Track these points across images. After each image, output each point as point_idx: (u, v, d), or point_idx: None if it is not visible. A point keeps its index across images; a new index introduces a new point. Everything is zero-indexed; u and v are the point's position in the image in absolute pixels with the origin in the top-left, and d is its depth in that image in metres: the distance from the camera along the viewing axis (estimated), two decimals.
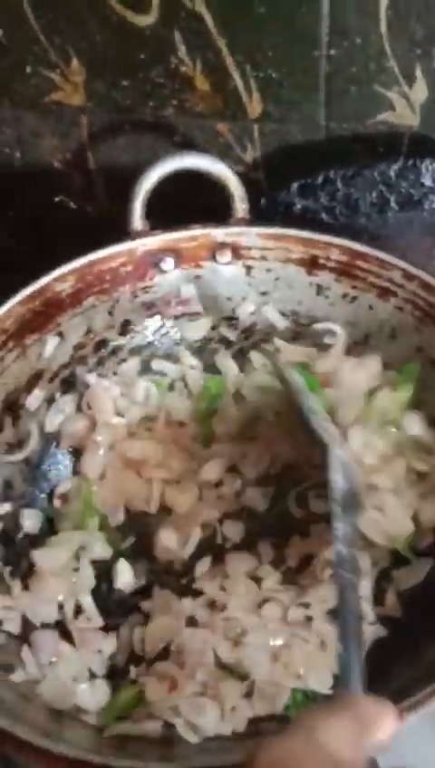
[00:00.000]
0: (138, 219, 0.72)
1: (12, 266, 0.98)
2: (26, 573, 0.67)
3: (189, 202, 0.80)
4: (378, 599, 0.63)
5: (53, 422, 0.73)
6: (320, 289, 0.73)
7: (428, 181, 0.73)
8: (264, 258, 0.73)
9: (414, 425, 0.66)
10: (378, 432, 0.65)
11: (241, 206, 0.72)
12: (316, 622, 0.61)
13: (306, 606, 0.62)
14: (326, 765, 0.39)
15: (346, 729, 0.40)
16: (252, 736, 0.57)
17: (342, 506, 0.55)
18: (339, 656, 0.48)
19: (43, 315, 0.70)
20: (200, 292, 0.75)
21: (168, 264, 0.73)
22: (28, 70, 0.79)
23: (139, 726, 0.58)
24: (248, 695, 0.59)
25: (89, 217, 0.91)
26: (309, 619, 0.61)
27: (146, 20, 0.73)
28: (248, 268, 0.74)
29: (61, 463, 0.74)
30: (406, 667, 0.56)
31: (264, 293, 0.75)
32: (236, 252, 0.73)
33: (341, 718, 0.41)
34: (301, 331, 0.75)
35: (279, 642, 0.60)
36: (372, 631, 0.61)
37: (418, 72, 0.71)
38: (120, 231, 0.74)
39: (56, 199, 0.90)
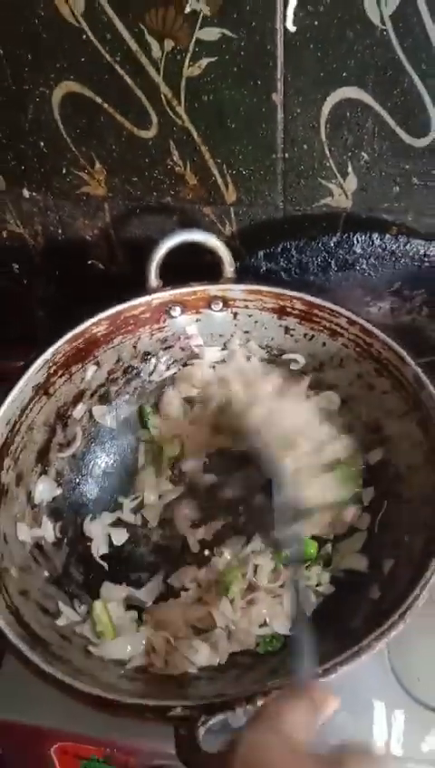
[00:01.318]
0: (153, 279, 0.72)
1: (58, 311, 0.99)
2: (72, 540, 0.67)
3: (188, 263, 0.80)
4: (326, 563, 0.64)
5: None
6: (287, 329, 0.73)
7: (358, 249, 0.72)
8: (246, 307, 0.73)
9: None
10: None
11: (229, 269, 0.73)
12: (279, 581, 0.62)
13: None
14: (290, 748, 0.36)
15: (302, 715, 0.38)
16: (231, 667, 0.58)
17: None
18: (292, 644, 0.46)
19: (84, 350, 0.70)
20: (201, 330, 0.75)
21: (176, 311, 0.74)
22: (64, 171, 0.79)
23: (149, 659, 0.58)
24: (229, 637, 0.59)
25: (112, 275, 0.90)
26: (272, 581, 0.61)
27: (148, 134, 0.73)
28: (235, 314, 0.74)
29: (99, 457, 0.74)
30: (345, 619, 0.57)
31: (246, 332, 0.75)
32: (226, 302, 0.73)
33: (297, 706, 0.39)
34: (274, 359, 0.76)
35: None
36: (324, 589, 0.61)
37: (349, 169, 0.71)
38: (136, 285, 0.74)
39: (89, 262, 0.90)
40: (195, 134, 0.71)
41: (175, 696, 0.53)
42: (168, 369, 0.76)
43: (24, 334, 1.01)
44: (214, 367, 0.75)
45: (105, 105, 0.71)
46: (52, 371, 0.67)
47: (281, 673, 0.53)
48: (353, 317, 0.67)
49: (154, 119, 0.71)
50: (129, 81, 0.68)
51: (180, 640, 0.59)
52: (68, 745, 0.60)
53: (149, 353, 0.75)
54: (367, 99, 0.65)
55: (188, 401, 0.75)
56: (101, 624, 0.59)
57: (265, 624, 0.60)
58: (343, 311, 0.68)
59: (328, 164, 0.71)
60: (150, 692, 0.53)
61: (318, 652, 0.53)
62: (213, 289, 0.72)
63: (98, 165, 0.77)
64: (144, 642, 0.58)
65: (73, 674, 0.49)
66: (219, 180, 0.75)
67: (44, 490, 0.66)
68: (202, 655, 0.58)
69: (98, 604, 0.60)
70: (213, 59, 0.64)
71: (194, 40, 0.63)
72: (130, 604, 0.63)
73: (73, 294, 0.94)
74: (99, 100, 0.71)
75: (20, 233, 0.89)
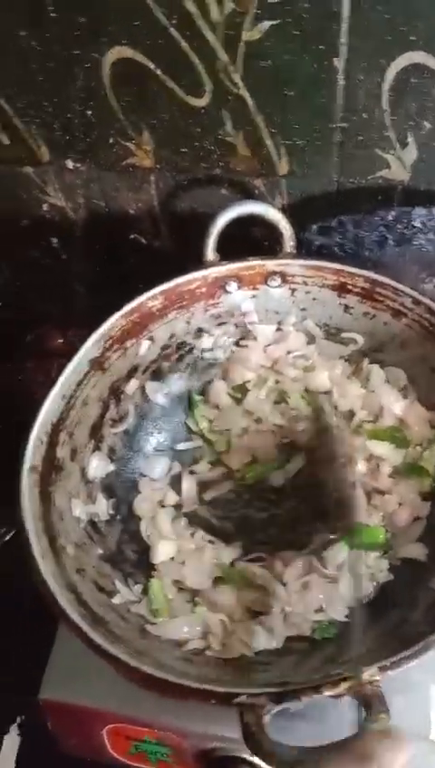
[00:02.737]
0: (210, 252, 0.69)
1: (97, 287, 0.98)
2: (125, 518, 0.66)
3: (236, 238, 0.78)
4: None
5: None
6: (347, 308, 0.70)
7: (417, 223, 0.69)
8: (305, 283, 0.71)
9: None
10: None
11: (289, 243, 0.70)
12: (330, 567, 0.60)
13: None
14: None
15: None
16: (287, 653, 0.57)
17: None
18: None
19: (139, 325, 0.68)
20: (256, 307, 0.73)
21: (232, 286, 0.71)
22: (110, 141, 0.76)
23: (206, 641, 0.57)
24: (285, 619, 0.58)
25: (155, 249, 0.88)
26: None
27: (201, 102, 0.70)
28: (292, 290, 0.71)
29: (151, 434, 0.73)
30: (404, 609, 0.55)
31: (303, 309, 0.73)
32: (284, 278, 0.71)
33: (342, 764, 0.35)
34: (331, 338, 0.73)
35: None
36: (381, 577, 0.60)
37: (410, 139, 0.68)
38: (179, 260, 0.71)
39: (131, 237, 0.88)
40: (250, 102, 0.69)
41: (234, 680, 0.52)
42: (221, 347, 0.74)
43: (60, 311, 1.00)
44: (266, 350, 0.73)
45: (158, 71, 0.68)
46: (107, 345, 0.65)
47: (339, 661, 0.52)
48: (419, 297, 0.64)
49: (208, 86, 0.68)
50: (184, 45, 0.65)
51: (236, 623, 0.57)
52: (120, 727, 0.59)
53: (202, 329, 0.73)
54: (434, 64, 0.61)
55: (240, 389, 0.73)
56: (158, 602, 0.58)
57: (320, 610, 0.58)
58: (407, 290, 0.65)
59: (387, 134, 0.68)
60: (208, 675, 0.52)
61: (376, 643, 0.52)
62: (271, 264, 0.70)
63: (146, 135, 0.75)
64: (200, 624, 0.57)
65: (135, 655, 0.48)
66: (272, 151, 0.73)
67: (98, 466, 0.65)
68: (259, 638, 0.56)
69: (155, 582, 0.59)
70: (275, 22, 0.61)
71: (256, 1, 0.60)
72: (181, 587, 0.62)
73: (113, 270, 0.92)
74: (152, 66, 0.68)
75: (61, 206, 0.87)
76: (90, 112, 0.74)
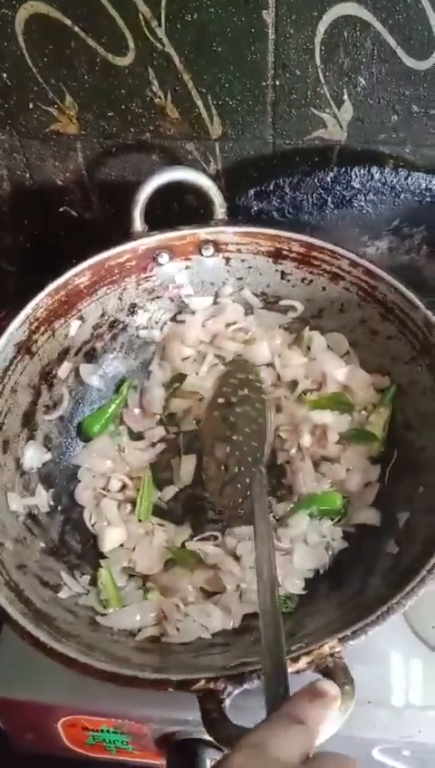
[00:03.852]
0: (138, 223, 0.67)
1: (29, 265, 0.93)
2: (66, 508, 0.64)
3: (167, 207, 0.75)
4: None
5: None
6: (283, 274, 0.69)
7: (356, 184, 0.68)
8: (239, 251, 0.69)
9: None
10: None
11: (220, 210, 0.68)
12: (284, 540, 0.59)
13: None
14: None
15: (293, 742, 0.34)
16: (245, 631, 0.55)
17: None
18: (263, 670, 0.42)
19: (67, 304, 0.65)
20: (190, 278, 0.71)
21: (163, 258, 0.69)
22: (30, 106, 0.72)
23: (161, 627, 0.55)
24: (241, 597, 0.57)
25: (87, 222, 0.84)
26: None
27: (124, 61, 0.66)
28: (227, 259, 0.70)
29: None
30: (362, 575, 0.55)
31: (240, 279, 0.71)
32: (217, 246, 0.69)
33: (286, 731, 0.35)
34: (269, 307, 0.71)
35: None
36: (336, 546, 0.59)
37: (345, 96, 0.66)
38: (114, 232, 0.68)
39: (60, 209, 0.84)
40: (176, 60, 0.65)
41: (192, 666, 0.50)
42: (157, 323, 0.71)
43: None
44: (205, 324, 0.71)
45: (76, 28, 0.64)
46: (33, 328, 0.62)
47: (299, 635, 0.51)
48: (356, 259, 0.63)
49: (131, 43, 0.65)
50: None
51: (191, 605, 0.56)
52: (75, 719, 0.58)
53: (135, 305, 0.70)
54: (367, 15, 0.60)
55: (178, 379, 0.71)
56: (107, 591, 0.56)
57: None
58: (344, 252, 0.64)
59: (322, 91, 0.66)
60: (166, 663, 0.51)
61: (336, 613, 0.52)
62: (203, 232, 0.68)
63: (69, 98, 0.71)
64: (154, 610, 0.55)
65: (85, 650, 0.46)
66: (204, 113, 0.70)
67: (33, 456, 0.62)
68: (215, 619, 0.55)
69: (103, 571, 0.57)
70: None
71: None
72: (132, 573, 0.60)
73: (45, 245, 0.88)
74: (68, 22, 0.64)
75: None
76: (5, 75, 0.69)
